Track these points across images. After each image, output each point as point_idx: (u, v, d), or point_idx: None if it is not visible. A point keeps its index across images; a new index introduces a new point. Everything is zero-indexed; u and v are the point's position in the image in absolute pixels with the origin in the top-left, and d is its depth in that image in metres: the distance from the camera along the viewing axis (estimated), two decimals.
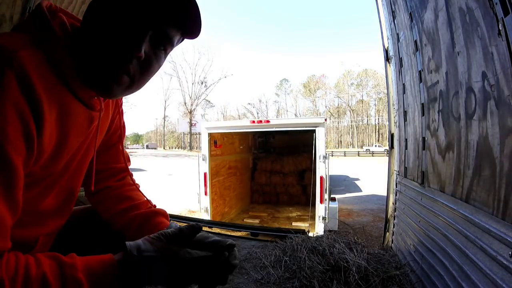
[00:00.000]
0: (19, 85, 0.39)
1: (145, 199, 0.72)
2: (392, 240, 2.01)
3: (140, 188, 0.75)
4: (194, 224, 0.52)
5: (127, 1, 0.46)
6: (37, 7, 0.49)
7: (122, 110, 0.73)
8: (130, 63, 0.47)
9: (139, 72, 0.49)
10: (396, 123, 2.09)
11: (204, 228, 2.26)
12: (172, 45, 0.52)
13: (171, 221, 0.69)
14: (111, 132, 0.70)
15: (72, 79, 0.48)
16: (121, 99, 0.71)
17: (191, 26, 0.52)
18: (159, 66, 0.53)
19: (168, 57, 0.59)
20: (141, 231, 0.60)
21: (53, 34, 0.47)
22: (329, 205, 3.51)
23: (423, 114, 1.51)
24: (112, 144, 0.71)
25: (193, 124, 36.69)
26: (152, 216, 0.65)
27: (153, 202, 0.72)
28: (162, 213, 0.68)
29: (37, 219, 0.53)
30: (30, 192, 0.48)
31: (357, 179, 9.89)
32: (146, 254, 0.45)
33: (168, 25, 0.49)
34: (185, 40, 0.56)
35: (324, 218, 3.43)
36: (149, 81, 0.54)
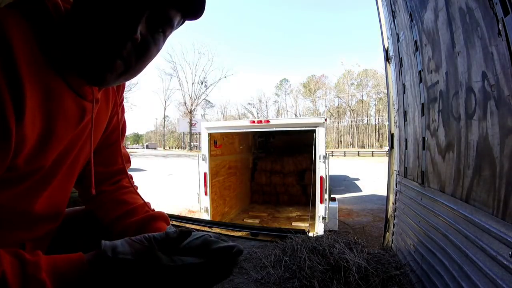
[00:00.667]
0: None
1: (142, 201, 0.67)
2: (392, 240, 2.01)
3: (138, 190, 0.70)
4: (183, 229, 0.47)
5: None
6: None
7: (123, 107, 0.68)
8: (124, 47, 0.42)
9: (134, 57, 0.44)
10: (396, 123, 2.09)
11: (204, 228, 2.26)
12: (172, 27, 0.47)
13: (170, 226, 0.64)
14: (109, 130, 0.65)
15: (62, 62, 0.43)
16: (122, 95, 0.66)
17: (193, 6, 0.47)
18: (158, 50, 0.48)
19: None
20: None
21: (46, 10, 0.42)
22: (329, 205, 3.51)
23: (423, 114, 1.51)
24: (110, 143, 0.66)
25: (193, 124, 36.69)
26: (149, 221, 0.61)
27: (153, 204, 0.69)
28: (160, 216, 0.63)
29: (24, 221, 0.48)
30: (15, 189, 0.44)
31: (357, 179, 9.90)
32: (121, 256, 0.39)
33: (167, 5, 0.44)
34: (186, 21, 0.50)
35: (324, 218, 3.43)
36: (147, 67, 0.50)
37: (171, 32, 0.48)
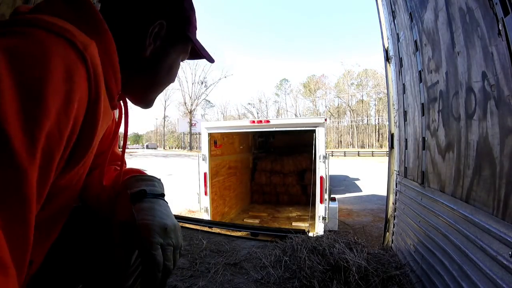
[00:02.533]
0: (89, 88, 0.36)
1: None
2: (392, 240, 2.01)
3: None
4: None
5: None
6: None
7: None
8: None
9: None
10: (396, 123, 2.09)
11: (204, 228, 2.26)
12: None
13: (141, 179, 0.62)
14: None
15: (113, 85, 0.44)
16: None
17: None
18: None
19: None
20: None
21: (106, 31, 0.42)
22: (329, 205, 3.51)
23: (423, 114, 1.51)
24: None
25: (193, 124, 36.68)
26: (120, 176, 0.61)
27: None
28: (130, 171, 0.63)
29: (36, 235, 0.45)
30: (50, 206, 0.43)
31: (357, 179, 9.90)
32: None
33: None
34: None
35: (324, 218, 3.44)
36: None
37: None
